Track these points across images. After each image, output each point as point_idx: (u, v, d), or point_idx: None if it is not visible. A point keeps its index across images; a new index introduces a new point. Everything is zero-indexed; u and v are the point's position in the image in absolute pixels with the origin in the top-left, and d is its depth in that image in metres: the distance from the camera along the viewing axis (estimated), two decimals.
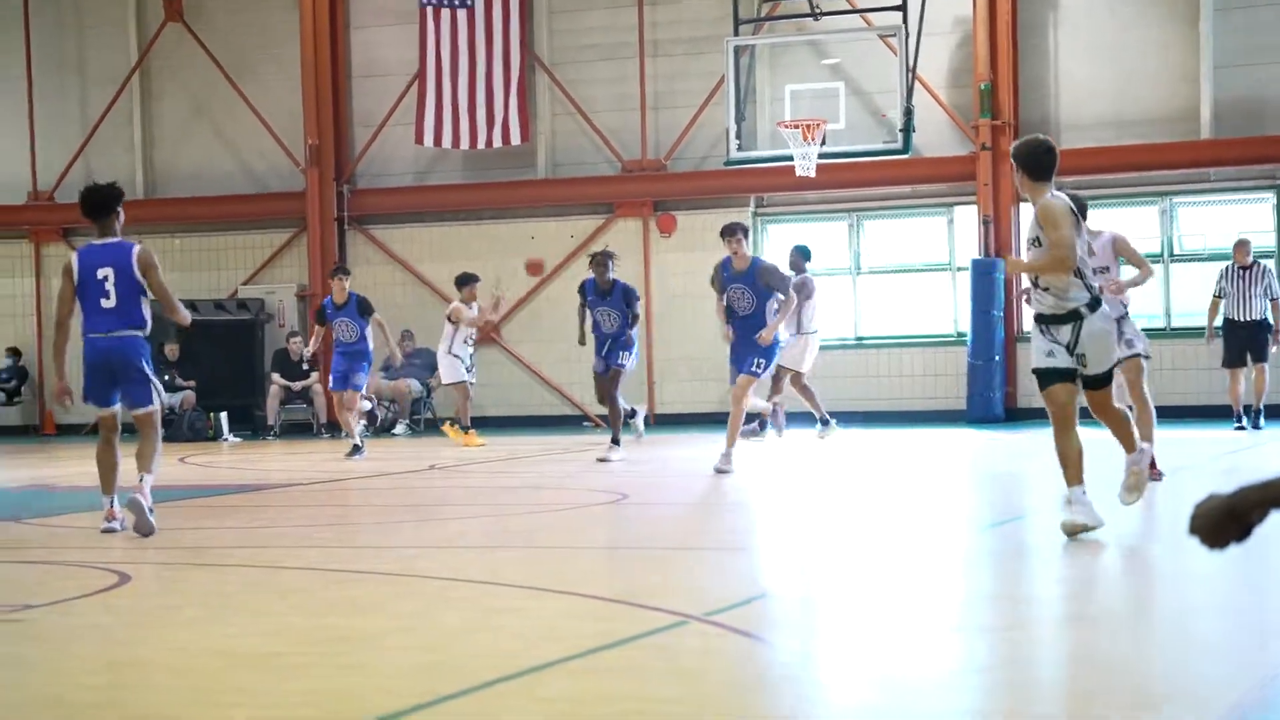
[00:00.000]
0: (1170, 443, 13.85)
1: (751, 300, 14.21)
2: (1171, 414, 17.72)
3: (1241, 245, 18.26)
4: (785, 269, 17.08)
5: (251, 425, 23.13)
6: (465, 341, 19.24)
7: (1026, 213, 13.98)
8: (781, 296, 14.26)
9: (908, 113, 20.03)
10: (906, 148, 20.30)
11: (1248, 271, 18.14)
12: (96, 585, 7.82)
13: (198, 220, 24.54)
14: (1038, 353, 8.68)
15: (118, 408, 10.15)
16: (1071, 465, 8.56)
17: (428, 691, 5.23)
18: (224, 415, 22.34)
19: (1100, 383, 8.71)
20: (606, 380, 15.75)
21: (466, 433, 18.85)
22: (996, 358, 20.95)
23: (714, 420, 22.33)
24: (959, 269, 21.80)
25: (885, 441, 17.98)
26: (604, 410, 17.50)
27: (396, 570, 8.27)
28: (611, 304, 15.67)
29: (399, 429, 22.13)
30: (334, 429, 22.62)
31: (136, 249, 10.07)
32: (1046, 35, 21.59)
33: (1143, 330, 11.60)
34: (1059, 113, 21.45)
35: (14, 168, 25.22)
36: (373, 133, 23.96)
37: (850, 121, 20.64)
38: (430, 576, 7.99)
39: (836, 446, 17.22)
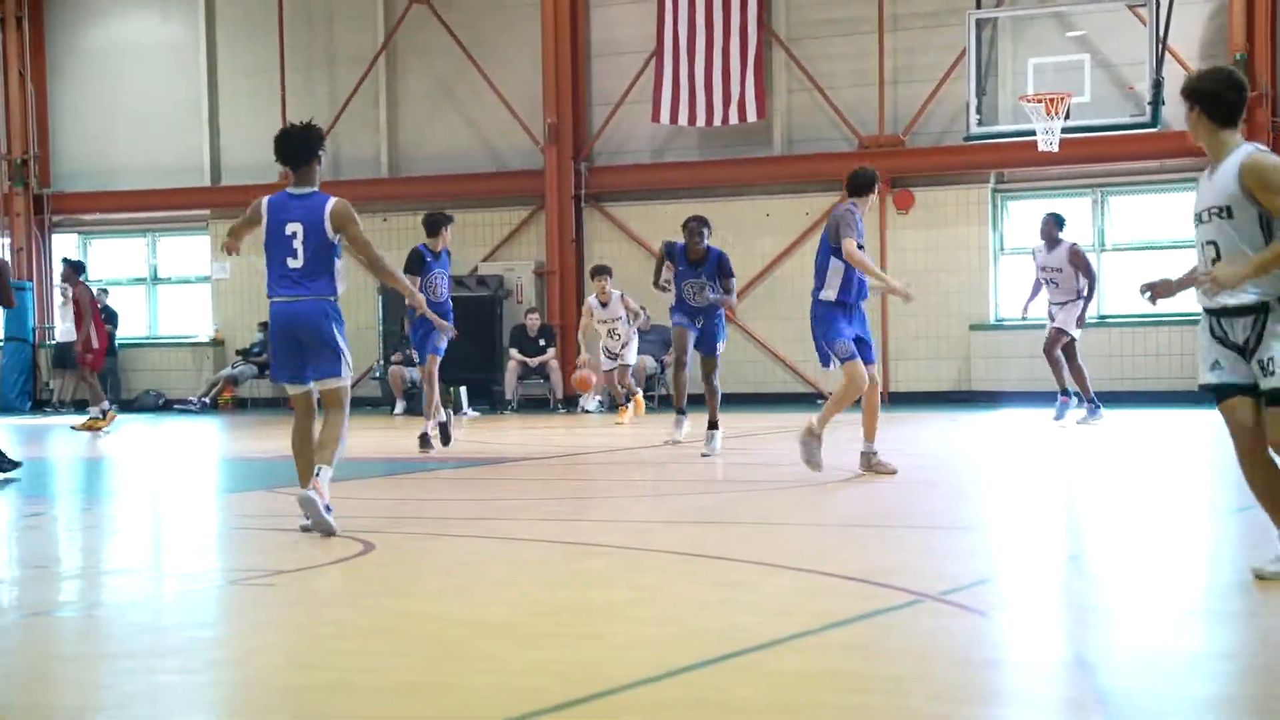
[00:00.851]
0: None
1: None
2: None
3: None
4: (1038, 239, 17.41)
5: (490, 400, 23.58)
6: (610, 334, 19.80)
7: None
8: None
9: (1157, 85, 19.51)
10: (1155, 121, 19.76)
11: None
12: (342, 553, 8.06)
13: (439, 198, 25.03)
14: (1202, 362, 6.75)
15: (311, 386, 9.02)
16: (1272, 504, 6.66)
17: (663, 663, 5.29)
18: (463, 390, 22.81)
19: None
20: (705, 362, 14.67)
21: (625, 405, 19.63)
22: None
23: (950, 399, 22.06)
24: None
25: (1129, 422, 17.55)
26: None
27: (632, 544, 8.36)
28: (705, 274, 14.40)
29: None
30: (570, 403, 22.95)
31: (331, 202, 8.97)
32: None
33: None
34: None
35: (268, 151, 25.86)
36: (610, 111, 24.18)
37: (1095, 95, 20.19)
38: (665, 551, 8.05)
39: (1080, 426, 16.87)
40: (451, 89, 25.22)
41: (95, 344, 19.87)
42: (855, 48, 22.95)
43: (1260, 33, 20.60)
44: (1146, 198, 21.92)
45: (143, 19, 27.02)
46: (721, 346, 14.63)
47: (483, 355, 24.10)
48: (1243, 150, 6.64)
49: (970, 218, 22.47)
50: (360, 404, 24.63)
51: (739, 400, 22.84)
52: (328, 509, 8.64)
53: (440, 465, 13.62)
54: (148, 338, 27.25)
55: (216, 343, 26.62)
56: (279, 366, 9.02)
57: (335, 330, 8.87)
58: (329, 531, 8.58)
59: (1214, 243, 6.59)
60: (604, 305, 19.73)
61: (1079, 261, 17.20)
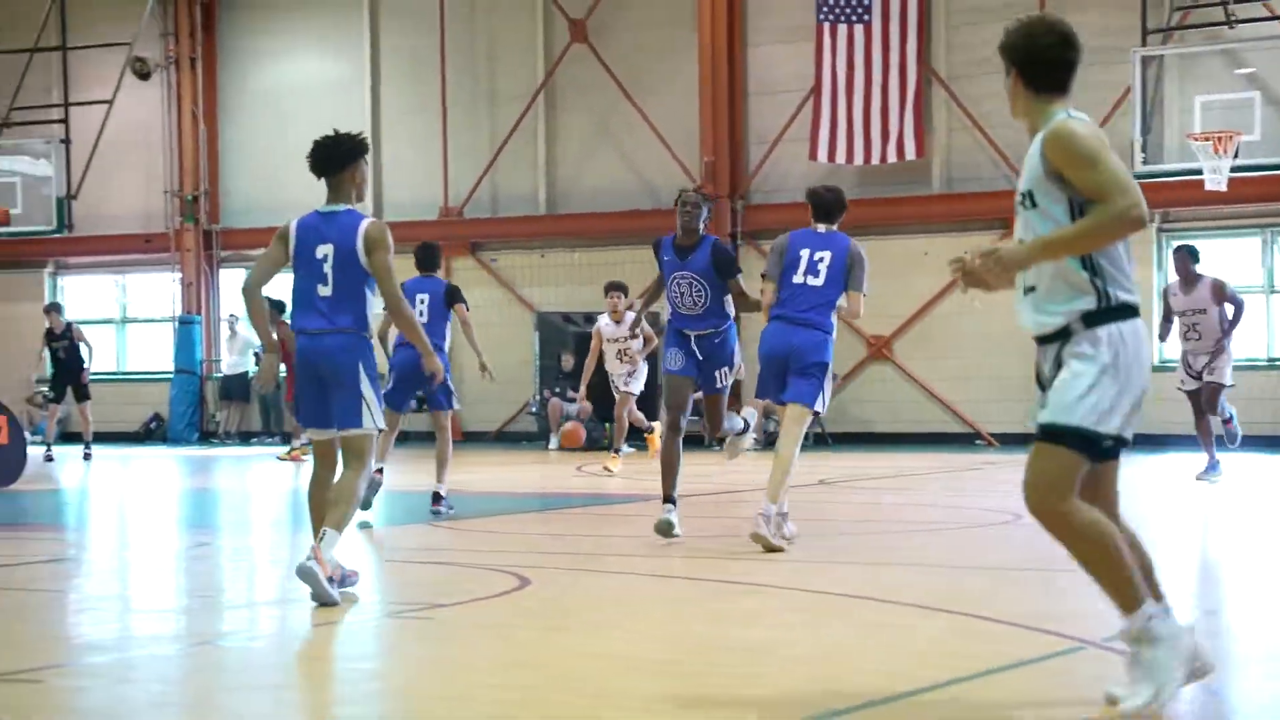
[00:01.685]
0: None
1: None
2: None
3: None
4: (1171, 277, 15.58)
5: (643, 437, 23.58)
6: (620, 356, 18.33)
7: None
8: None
9: None
10: None
11: None
12: (499, 587, 8.12)
13: (596, 235, 25.21)
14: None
15: (335, 433, 7.91)
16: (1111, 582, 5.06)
17: (819, 705, 5.25)
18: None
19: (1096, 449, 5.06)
20: (709, 402, 10.62)
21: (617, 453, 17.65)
22: None
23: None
24: None
25: None
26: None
27: (785, 582, 8.31)
28: (694, 267, 10.24)
29: None
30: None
31: (366, 222, 7.87)
32: None
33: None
34: None
35: (429, 188, 26.41)
36: (767, 149, 24.18)
37: (1266, 132, 19.78)
38: (818, 590, 8.00)
39: (1246, 472, 16.46)
40: (609, 126, 25.40)
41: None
42: None
43: None
44: None
45: (310, 59, 27.62)
46: (730, 375, 10.50)
47: (645, 391, 24.11)
48: (1058, 120, 5.21)
49: (1134, 258, 22.02)
50: (515, 439, 24.83)
51: (895, 440, 22.66)
52: (331, 581, 7.47)
53: (594, 500, 13.66)
54: None
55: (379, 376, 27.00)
56: (303, 409, 7.96)
57: (361, 371, 7.79)
58: (327, 602, 7.41)
59: (1023, 241, 5.20)
60: (616, 324, 18.21)
61: (1224, 296, 15.16)
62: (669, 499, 10.16)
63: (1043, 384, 5.16)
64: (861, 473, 17.08)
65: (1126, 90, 20.81)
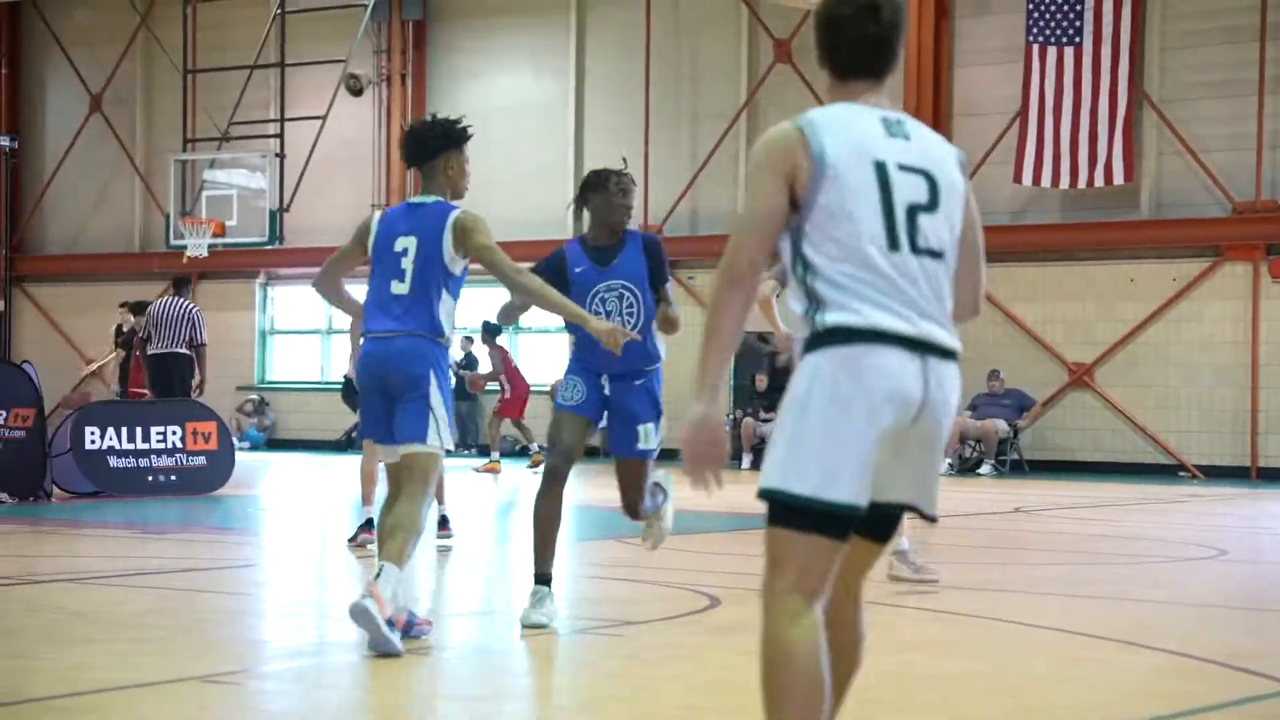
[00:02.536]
0: None
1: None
2: None
3: None
4: None
5: None
6: None
7: None
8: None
9: None
10: None
11: None
12: (689, 607, 8.12)
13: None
14: None
15: (398, 449, 6.88)
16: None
17: None
18: None
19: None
20: (624, 469, 8.01)
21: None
22: None
23: None
24: None
25: None
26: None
27: (982, 611, 8.18)
28: (624, 273, 7.67)
29: (984, 468, 21.88)
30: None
31: (456, 212, 6.96)
32: None
33: None
34: None
35: None
36: (971, 171, 23.82)
37: None
38: (1016, 621, 7.85)
39: None
40: None
41: (507, 394, 21.46)
42: (1232, 110, 22.13)
43: None
44: None
45: (516, 78, 28.00)
46: (657, 436, 7.94)
47: None
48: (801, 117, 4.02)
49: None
50: None
51: (1094, 469, 22.17)
52: (392, 625, 6.50)
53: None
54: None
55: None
56: (365, 421, 6.99)
57: (433, 379, 6.83)
58: (388, 652, 6.46)
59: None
60: None
61: None
62: (544, 577, 7.46)
63: None
64: (1061, 501, 16.75)
65: None
